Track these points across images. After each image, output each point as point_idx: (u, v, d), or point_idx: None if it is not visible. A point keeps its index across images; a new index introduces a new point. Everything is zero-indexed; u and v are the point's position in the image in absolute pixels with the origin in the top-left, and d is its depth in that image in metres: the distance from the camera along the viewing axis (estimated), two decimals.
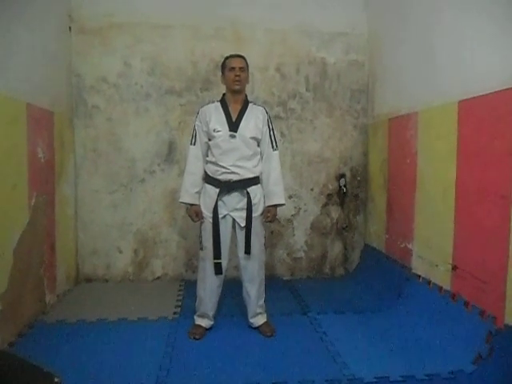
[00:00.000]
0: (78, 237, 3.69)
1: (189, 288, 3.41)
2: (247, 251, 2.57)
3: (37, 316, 2.80)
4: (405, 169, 3.16)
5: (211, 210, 2.54)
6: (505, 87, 2.07)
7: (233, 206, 2.57)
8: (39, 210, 2.83)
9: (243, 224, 2.56)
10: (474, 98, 2.33)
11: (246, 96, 2.67)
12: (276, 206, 2.62)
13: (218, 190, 2.55)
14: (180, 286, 3.61)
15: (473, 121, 2.37)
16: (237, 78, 2.55)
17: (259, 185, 2.63)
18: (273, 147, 2.63)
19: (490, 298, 2.20)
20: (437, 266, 2.73)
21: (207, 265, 2.60)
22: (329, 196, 3.94)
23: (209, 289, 2.62)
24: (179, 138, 3.72)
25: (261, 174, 2.63)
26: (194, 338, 2.57)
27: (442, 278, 2.66)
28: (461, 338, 2.28)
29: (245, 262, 2.63)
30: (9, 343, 2.39)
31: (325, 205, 3.95)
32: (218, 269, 2.57)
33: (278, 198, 2.61)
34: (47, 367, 0.85)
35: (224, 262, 2.59)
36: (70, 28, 3.52)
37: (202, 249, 2.62)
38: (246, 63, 2.62)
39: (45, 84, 3.01)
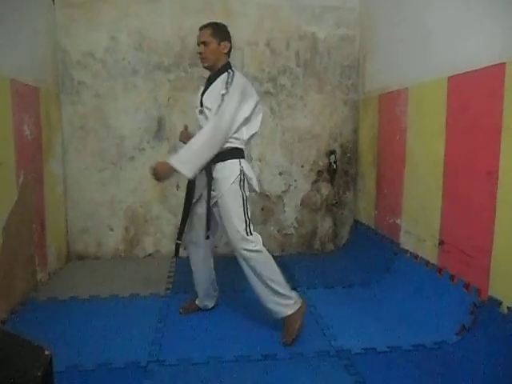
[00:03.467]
0: (68, 215, 3.68)
1: (180, 265, 3.44)
2: (206, 234, 2.36)
3: (28, 294, 2.82)
4: (394, 145, 3.17)
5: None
6: (494, 63, 2.07)
7: (202, 185, 2.36)
8: (28, 189, 2.81)
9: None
10: (464, 73, 2.32)
11: (224, 66, 2.31)
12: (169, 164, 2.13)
13: None
14: (171, 262, 3.64)
15: (462, 97, 2.37)
16: (199, 56, 2.30)
17: (229, 161, 2.26)
18: (215, 112, 2.15)
19: (474, 272, 2.25)
20: (424, 241, 2.77)
21: (188, 246, 2.55)
22: (319, 172, 3.96)
23: (194, 270, 2.57)
24: (168, 114, 3.68)
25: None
26: (179, 312, 2.62)
27: (429, 252, 2.71)
28: (446, 310, 2.34)
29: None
30: (1, 320, 2.41)
31: (315, 181, 3.96)
32: (175, 250, 2.43)
33: (175, 156, 2.15)
34: (38, 341, 0.86)
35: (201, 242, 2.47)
36: (53, 1, 3.42)
37: None
38: (215, 31, 2.27)
39: (29, 59, 2.94)
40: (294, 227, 3.97)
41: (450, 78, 2.45)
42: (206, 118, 2.26)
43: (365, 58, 3.76)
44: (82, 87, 3.59)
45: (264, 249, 2.32)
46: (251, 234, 2.27)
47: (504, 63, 2.00)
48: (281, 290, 2.28)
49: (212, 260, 2.61)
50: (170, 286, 3.09)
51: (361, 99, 3.87)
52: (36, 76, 3.02)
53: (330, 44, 3.83)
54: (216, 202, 2.31)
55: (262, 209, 3.88)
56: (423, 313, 2.46)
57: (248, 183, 2.33)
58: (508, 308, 1.98)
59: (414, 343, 2.21)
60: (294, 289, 2.99)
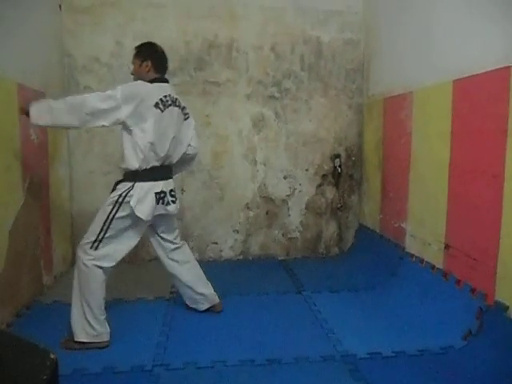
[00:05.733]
0: (74, 218, 3.69)
1: None
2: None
3: (34, 297, 2.82)
4: (399, 149, 3.17)
5: None
6: (499, 66, 2.07)
7: None
8: (34, 192, 2.82)
9: None
10: (469, 77, 2.32)
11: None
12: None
13: None
14: None
15: (467, 100, 2.37)
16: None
17: (127, 183, 2.29)
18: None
19: (481, 276, 2.24)
20: (430, 244, 2.76)
21: None
22: (324, 176, 3.95)
23: None
24: None
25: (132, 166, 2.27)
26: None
27: (434, 256, 2.70)
28: (452, 315, 2.33)
29: None
30: (7, 323, 2.41)
31: (320, 185, 3.96)
32: None
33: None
34: (43, 345, 0.86)
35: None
36: (60, 6, 3.45)
37: None
38: (137, 53, 2.44)
39: (36, 64, 2.96)
40: (298, 231, 3.97)
41: (455, 82, 2.44)
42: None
43: (369, 61, 3.77)
44: (87, 91, 3.58)
45: (99, 271, 2.27)
46: (96, 249, 2.25)
47: (509, 66, 2.00)
48: (90, 319, 2.24)
49: (169, 263, 2.60)
50: (175, 289, 3.08)
51: (365, 103, 3.87)
52: (42, 80, 3.04)
53: (334, 48, 3.84)
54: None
55: (267, 213, 3.88)
56: (429, 317, 2.45)
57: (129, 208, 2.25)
58: None
59: (420, 348, 2.20)
60: (299, 292, 3.02)
